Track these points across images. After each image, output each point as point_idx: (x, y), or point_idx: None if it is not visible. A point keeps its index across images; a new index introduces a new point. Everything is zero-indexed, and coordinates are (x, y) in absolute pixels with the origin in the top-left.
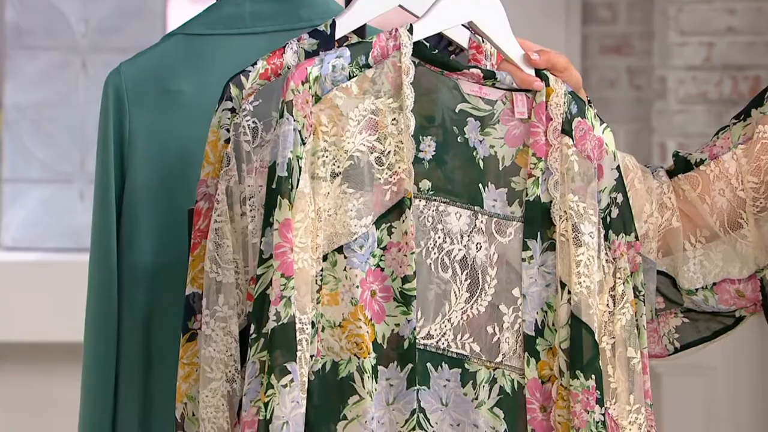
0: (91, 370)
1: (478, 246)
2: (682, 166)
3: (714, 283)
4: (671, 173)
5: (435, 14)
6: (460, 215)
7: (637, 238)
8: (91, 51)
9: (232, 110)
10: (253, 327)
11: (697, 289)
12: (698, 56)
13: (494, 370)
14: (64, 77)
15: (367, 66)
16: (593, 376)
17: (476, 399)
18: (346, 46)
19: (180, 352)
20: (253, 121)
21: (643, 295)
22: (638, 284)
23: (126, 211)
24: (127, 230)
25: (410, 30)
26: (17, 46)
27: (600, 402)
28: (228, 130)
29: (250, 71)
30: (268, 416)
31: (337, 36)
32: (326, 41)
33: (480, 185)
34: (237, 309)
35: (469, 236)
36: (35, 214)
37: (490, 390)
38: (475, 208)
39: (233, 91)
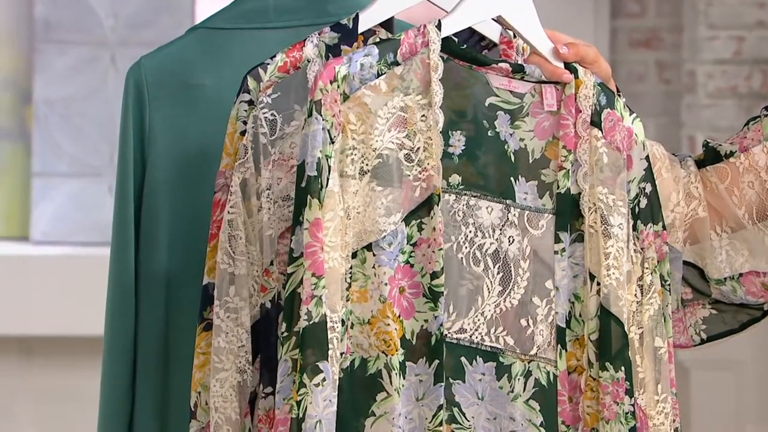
0: (110, 362)
1: (511, 239)
2: (711, 156)
3: (740, 274)
4: (700, 163)
5: (463, 9)
6: (492, 209)
7: (664, 227)
8: (121, 45)
9: (250, 102)
10: (284, 326)
11: (725, 279)
12: (728, 50)
13: (529, 362)
14: (94, 72)
15: (396, 63)
16: (623, 368)
17: (512, 392)
18: (374, 44)
19: (196, 341)
20: (272, 114)
21: (669, 285)
22: (664, 273)
23: (146, 205)
24: (146, 223)
25: (438, 26)
26: (47, 41)
27: (630, 393)
28: (244, 122)
29: (268, 64)
30: (300, 415)
31: (360, 30)
32: (348, 35)
33: (511, 178)
34: (251, 300)
35: (501, 230)
36: (64, 208)
37: (525, 383)
38: (507, 201)
39: (251, 83)
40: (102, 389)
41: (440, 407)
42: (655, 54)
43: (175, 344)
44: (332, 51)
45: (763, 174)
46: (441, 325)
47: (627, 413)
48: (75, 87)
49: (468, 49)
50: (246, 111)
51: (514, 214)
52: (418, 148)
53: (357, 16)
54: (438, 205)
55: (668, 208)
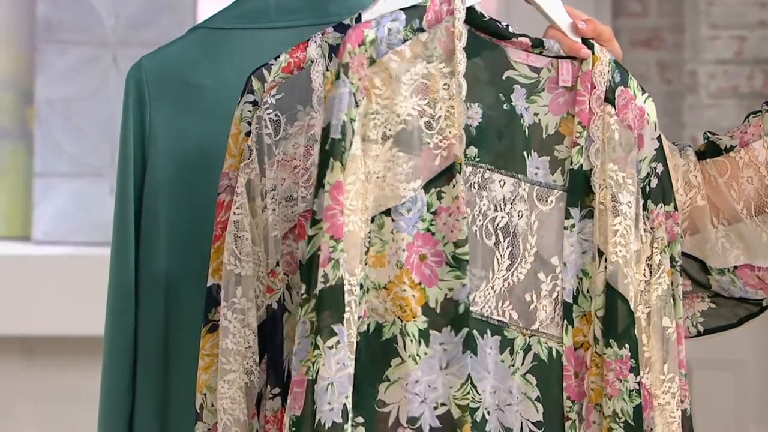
0: (110, 362)
1: (520, 214)
2: (711, 150)
3: (735, 267)
4: (700, 155)
5: None
6: (504, 183)
7: (676, 208)
8: (122, 45)
9: (254, 103)
10: (303, 288)
11: (724, 270)
12: (729, 50)
13: (530, 337)
14: (95, 72)
15: (421, 30)
16: (627, 345)
17: (512, 366)
18: (401, 9)
19: (200, 343)
20: (275, 114)
21: (680, 265)
22: (675, 254)
23: (146, 205)
24: (146, 223)
25: None
26: (48, 41)
27: (635, 371)
28: (249, 123)
29: (272, 64)
30: (313, 377)
31: None
32: None
33: (524, 153)
34: (257, 301)
35: (512, 204)
36: (66, 208)
37: (524, 357)
38: (519, 175)
39: (255, 84)
40: (102, 389)
41: (469, 376)
42: (657, 54)
43: (175, 344)
44: (335, 51)
45: (763, 169)
46: (469, 293)
47: (631, 391)
48: (76, 87)
49: (489, 21)
50: (250, 112)
51: (524, 189)
52: (439, 117)
53: (359, 16)
54: (460, 174)
55: None
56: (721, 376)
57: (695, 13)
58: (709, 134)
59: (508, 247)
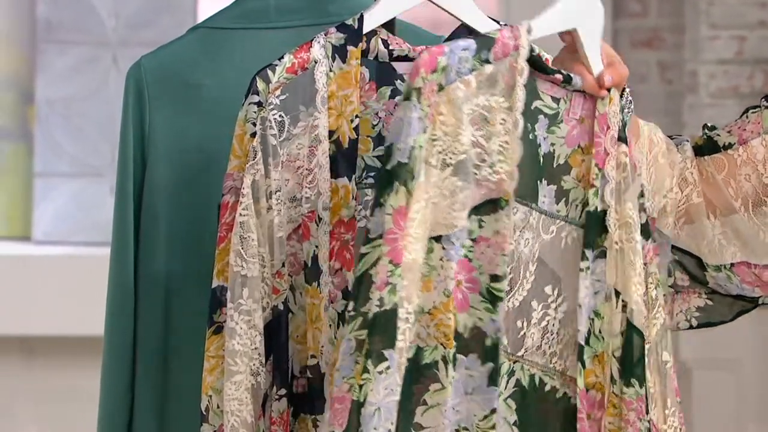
0: (109, 362)
1: (527, 241)
2: (708, 146)
3: (732, 264)
4: (698, 150)
5: (550, 16)
6: (517, 210)
7: (654, 240)
8: (122, 45)
9: (259, 104)
10: (351, 305)
11: (720, 267)
12: (730, 50)
13: (514, 363)
14: (95, 71)
15: (487, 61)
16: (644, 384)
17: (497, 389)
18: (472, 38)
19: (206, 345)
20: (280, 115)
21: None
22: (662, 286)
23: (146, 204)
24: (146, 223)
25: (529, 31)
26: (48, 41)
27: (647, 409)
28: (254, 124)
29: (276, 65)
30: (361, 399)
31: (365, 30)
32: (353, 36)
33: (537, 181)
34: (262, 302)
35: (521, 231)
36: (66, 208)
37: (508, 381)
38: (531, 204)
39: (260, 85)
40: (102, 389)
41: (493, 410)
42: (657, 54)
43: (174, 344)
44: (339, 51)
45: (761, 167)
46: (498, 329)
47: (648, 430)
48: (76, 87)
49: (536, 57)
50: (255, 113)
51: (534, 218)
52: (492, 151)
53: (361, 16)
54: (503, 210)
55: (661, 193)
56: (720, 376)
57: (695, 13)
58: (707, 129)
59: (509, 274)
